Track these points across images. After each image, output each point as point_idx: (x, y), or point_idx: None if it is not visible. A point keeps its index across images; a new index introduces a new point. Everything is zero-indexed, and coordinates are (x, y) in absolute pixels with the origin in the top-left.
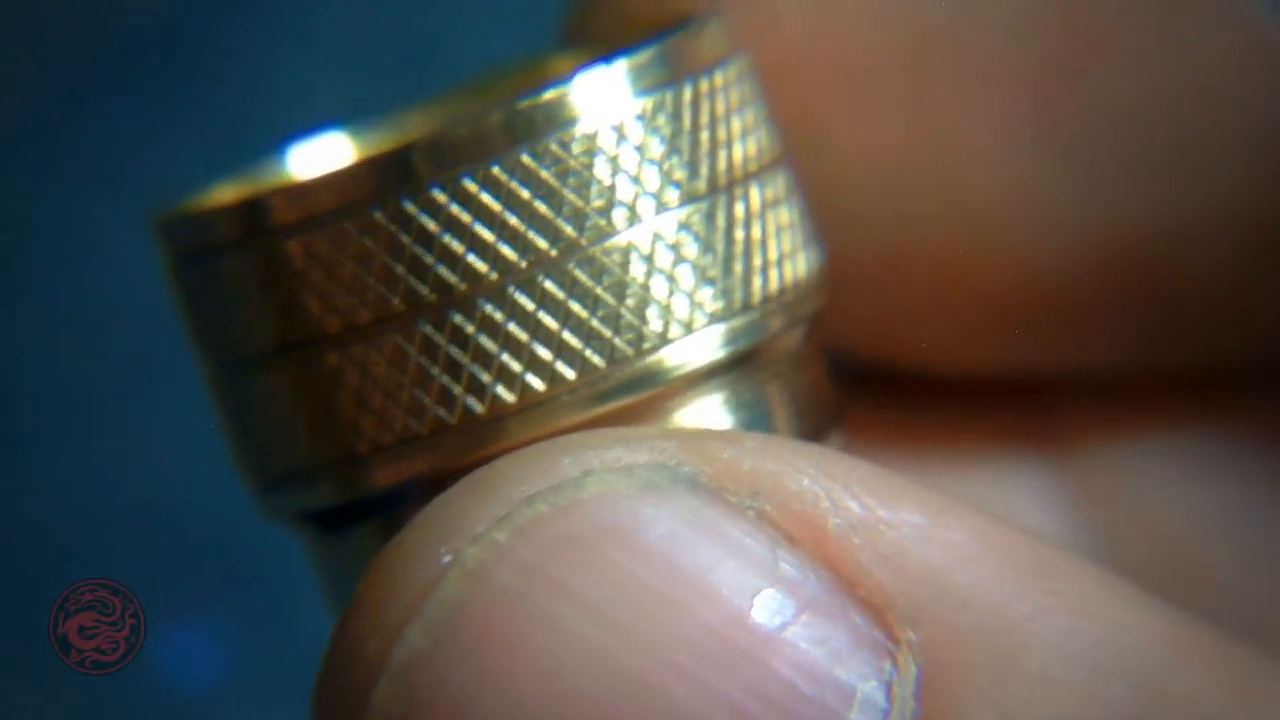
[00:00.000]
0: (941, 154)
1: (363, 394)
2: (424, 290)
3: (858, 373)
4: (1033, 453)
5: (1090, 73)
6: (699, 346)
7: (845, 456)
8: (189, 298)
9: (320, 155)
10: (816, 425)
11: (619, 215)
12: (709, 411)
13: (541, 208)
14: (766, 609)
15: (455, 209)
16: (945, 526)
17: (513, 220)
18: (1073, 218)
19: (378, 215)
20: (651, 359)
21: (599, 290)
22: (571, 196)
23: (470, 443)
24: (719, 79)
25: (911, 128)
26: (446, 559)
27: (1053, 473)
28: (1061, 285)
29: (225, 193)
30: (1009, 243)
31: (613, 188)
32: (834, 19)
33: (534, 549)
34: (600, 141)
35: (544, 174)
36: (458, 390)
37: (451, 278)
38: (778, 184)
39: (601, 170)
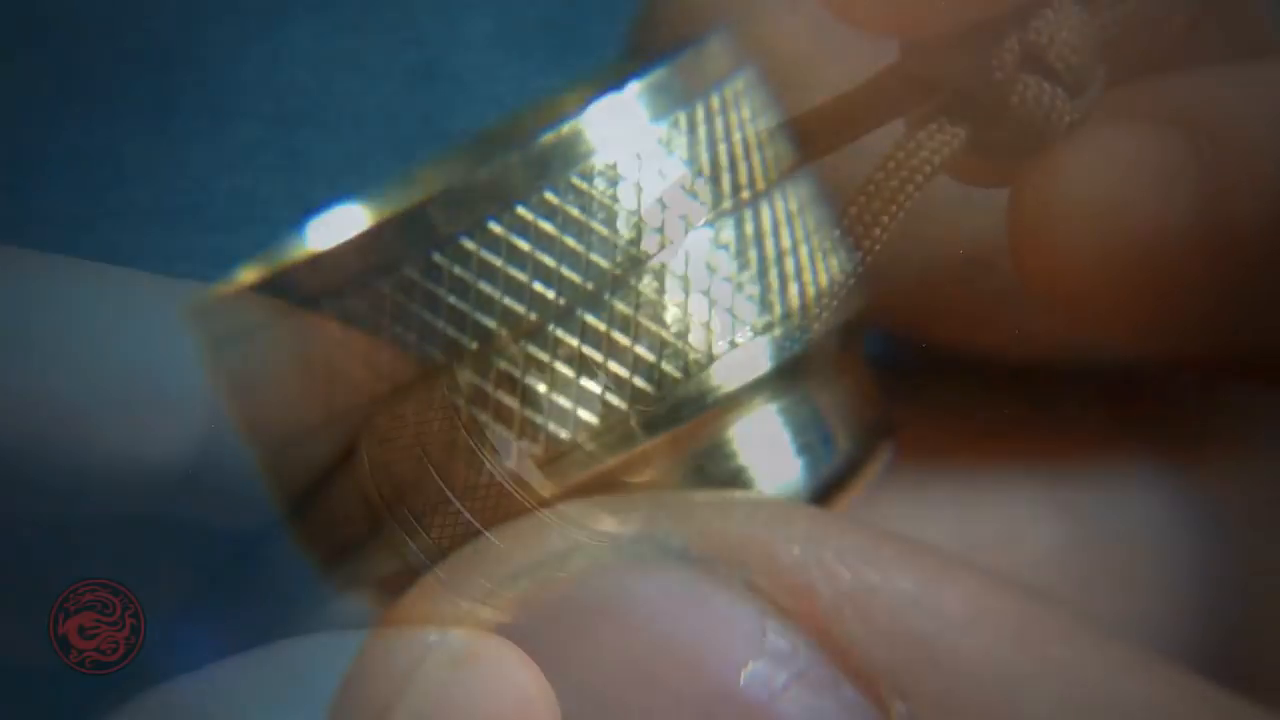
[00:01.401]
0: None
1: (416, 454)
2: (465, 339)
3: (958, 367)
4: (1153, 455)
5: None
6: (745, 361)
7: (838, 519)
8: (228, 380)
9: (339, 225)
10: (866, 433)
11: (649, 240)
12: (763, 424)
13: (571, 242)
14: (755, 681)
15: (486, 255)
16: (937, 593)
17: (544, 258)
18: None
19: (409, 271)
20: (699, 379)
21: (639, 317)
22: (599, 227)
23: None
24: (729, 93)
25: None
26: (432, 639)
27: (1174, 472)
28: (1138, 272)
29: (252, 273)
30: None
31: (638, 213)
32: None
33: (518, 627)
34: (620, 169)
35: (569, 209)
36: (513, 435)
37: (491, 323)
38: (799, 191)
39: (625, 197)
